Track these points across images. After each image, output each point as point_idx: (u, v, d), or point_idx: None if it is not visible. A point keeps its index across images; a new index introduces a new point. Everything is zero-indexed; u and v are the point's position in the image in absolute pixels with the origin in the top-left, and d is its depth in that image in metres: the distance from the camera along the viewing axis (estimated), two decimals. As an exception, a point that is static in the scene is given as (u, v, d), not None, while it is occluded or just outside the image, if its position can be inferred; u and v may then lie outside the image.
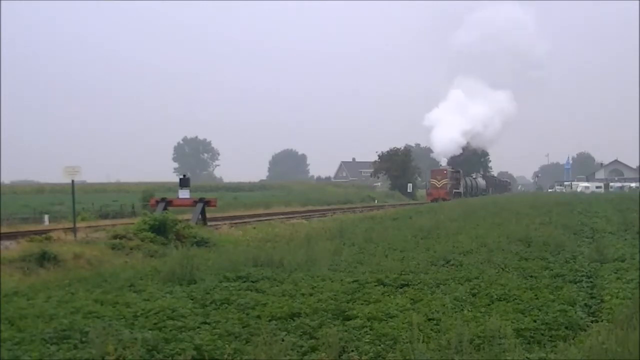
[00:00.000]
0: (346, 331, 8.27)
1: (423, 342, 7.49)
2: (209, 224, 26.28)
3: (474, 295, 10.47)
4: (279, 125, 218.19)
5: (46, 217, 33.29)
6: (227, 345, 7.60)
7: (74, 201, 22.22)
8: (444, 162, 78.05)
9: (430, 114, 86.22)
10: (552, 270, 12.97)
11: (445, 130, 78.76)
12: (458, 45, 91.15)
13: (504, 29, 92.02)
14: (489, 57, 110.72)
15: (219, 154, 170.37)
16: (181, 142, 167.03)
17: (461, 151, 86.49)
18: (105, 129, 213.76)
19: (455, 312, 9.24)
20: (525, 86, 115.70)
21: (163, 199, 27.50)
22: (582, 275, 12.59)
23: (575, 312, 9.34)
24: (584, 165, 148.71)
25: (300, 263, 13.87)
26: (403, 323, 8.53)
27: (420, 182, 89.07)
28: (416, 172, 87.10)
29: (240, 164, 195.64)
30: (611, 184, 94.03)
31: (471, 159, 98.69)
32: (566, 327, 8.53)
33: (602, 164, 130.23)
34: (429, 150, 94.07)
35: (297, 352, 7.62)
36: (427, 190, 72.04)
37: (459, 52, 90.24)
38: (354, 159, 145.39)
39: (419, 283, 11.54)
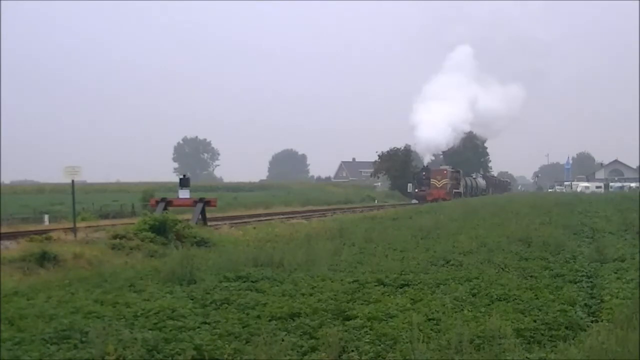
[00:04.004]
0: (346, 331, 8.27)
1: (423, 342, 7.49)
2: (209, 224, 26.27)
3: (474, 295, 10.47)
4: (279, 125, 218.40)
5: (46, 217, 33.27)
6: (227, 345, 7.61)
7: (74, 201, 22.21)
8: (427, 158, 75.45)
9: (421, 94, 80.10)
10: (552, 270, 12.97)
11: (439, 114, 73.12)
12: (460, 39, 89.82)
13: (508, 16, 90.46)
14: (491, 50, 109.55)
15: (219, 154, 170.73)
16: (181, 142, 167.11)
17: (468, 129, 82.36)
18: (105, 129, 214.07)
19: (455, 312, 9.24)
20: (527, 84, 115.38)
21: (163, 199, 27.48)
22: (582, 275, 12.59)
23: (575, 312, 9.35)
24: (584, 165, 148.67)
25: (300, 263, 13.87)
26: (403, 323, 8.53)
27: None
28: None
29: (240, 164, 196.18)
30: (611, 184, 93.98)
31: (471, 159, 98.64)
32: (566, 327, 8.54)
33: (602, 164, 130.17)
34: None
35: (297, 352, 7.62)
36: (415, 191, 68.87)
37: (461, 47, 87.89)
38: (354, 159, 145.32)
39: (419, 283, 11.54)
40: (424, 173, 70.82)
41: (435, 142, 75.61)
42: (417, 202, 62.73)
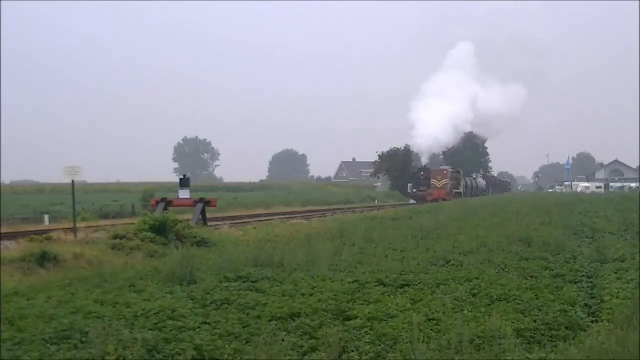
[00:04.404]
0: (346, 331, 8.27)
1: (423, 342, 7.49)
2: (209, 224, 26.27)
3: (474, 295, 10.47)
4: (279, 125, 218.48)
5: (46, 217, 33.26)
6: (227, 345, 7.61)
7: (74, 201, 22.20)
8: (424, 159, 74.70)
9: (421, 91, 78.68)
10: (552, 270, 12.97)
11: (439, 112, 71.70)
12: (460, 39, 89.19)
13: (508, 16, 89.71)
14: (491, 50, 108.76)
15: (219, 154, 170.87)
16: (181, 142, 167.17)
17: (469, 129, 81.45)
18: (105, 129, 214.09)
19: (455, 312, 9.24)
20: (528, 83, 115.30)
21: (163, 199, 27.48)
22: (582, 275, 12.59)
23: (575, 312, 9.35)
24: (584, 165, 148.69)
25: (300, 263, 13.87)
26: (403, 323, 8.53)
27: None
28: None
29: (240, 164, 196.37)
30: (611, 184, 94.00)
31: (471, 159, 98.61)
32: (566, 327, 8.54)
33: (602, 164, 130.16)
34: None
35: (297, 352, 7.62)
36: (413, 191, 68.01)
37: (461, 43, 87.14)
38: (354, 159, 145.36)
39: (419, 283, 11.55)
40: (421, 173, 70.11)
41: (435, 140, 74.81)
42: (414, 202, 62.42)
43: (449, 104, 73.52)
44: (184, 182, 28.22)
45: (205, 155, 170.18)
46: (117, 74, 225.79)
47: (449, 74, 77.64)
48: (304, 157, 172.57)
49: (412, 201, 64.27)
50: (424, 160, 74.95)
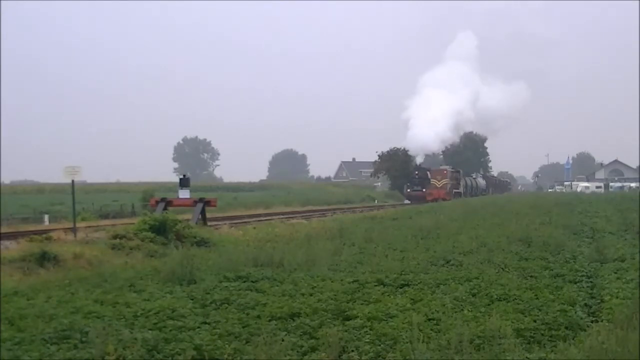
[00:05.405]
0: (346, 331, 8.27)
1: (423, 342, 7.49)
2: (209, 224, 26.26)
3: (474, 295, 10.47)
4: (279, 125, 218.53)
5: (46, 217, 33.26)
6: (227, 345, 7.61)
7: (74, 201, 22.20)
8: (419, 159, 74.36)
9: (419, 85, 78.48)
10: (552, 270, 12.98)
11: (439, 108, 70.78)
12: (460, 38, 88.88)
13: (508, 16, 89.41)
14: (491, 51, 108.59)
15: (219, 154, 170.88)
16: (181, 142, 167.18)
17: (470, 129, 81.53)
18: (105, 129, 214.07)
19: (455, 312, 9.24)
20: (528, 83, 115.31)
21: (163, 199, 27.47)
22: (582, 275, 12.60)
23: (575, 312, 9.35)
24: (584, 165, 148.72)
25: (300, 263, 13.87)
26: (403, 323, 8.53)
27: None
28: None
29: (240, 164, 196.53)
30: (611, 184, 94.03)
31: (471, 158, 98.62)
32: (566, 327, 8.54)
33: (602, 164, 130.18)
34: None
35: (297, 352, 7.63)
36: (407, 191, 67.40)
37: (464, 36, 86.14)
38: (354, 159, 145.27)
39: (419, 283, 11.55)
40: (416, 172, 69.24)
41: (435, 137, 73.92)
42: (409, 202, 61.83)
43: (449, 97, 72.97)
44: (184, 182, 28.21)
45: (205, 155, 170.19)
46: (117, 74, 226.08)
47: (450, 65, 77.24)
48: (304, 157, 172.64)
49: (406, 201, 63.76)
50: (419, 160, 74.62)
